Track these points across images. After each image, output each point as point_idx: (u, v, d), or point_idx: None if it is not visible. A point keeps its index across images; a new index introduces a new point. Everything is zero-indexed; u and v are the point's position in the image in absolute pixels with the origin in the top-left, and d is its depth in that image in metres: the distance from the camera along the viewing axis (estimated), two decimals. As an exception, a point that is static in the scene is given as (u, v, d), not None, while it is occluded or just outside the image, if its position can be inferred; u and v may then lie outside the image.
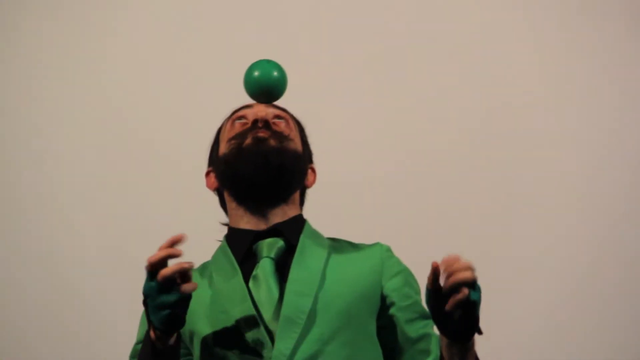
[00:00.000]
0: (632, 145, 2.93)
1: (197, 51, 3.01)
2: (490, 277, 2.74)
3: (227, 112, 1.99)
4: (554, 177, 2.92)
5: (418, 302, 1.84)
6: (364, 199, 2.91)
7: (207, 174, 1.97)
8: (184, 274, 1.61)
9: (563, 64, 2.97)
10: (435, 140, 2.95)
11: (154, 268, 1.60)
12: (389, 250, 1.90)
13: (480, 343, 2.59)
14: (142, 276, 1.61)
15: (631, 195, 2.90)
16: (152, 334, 1.67)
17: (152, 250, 1.88)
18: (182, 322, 1.65)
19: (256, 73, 1.85)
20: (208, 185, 1.96)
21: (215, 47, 3.00)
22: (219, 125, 2.00)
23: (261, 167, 1.83)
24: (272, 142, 1.86)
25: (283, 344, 1.72)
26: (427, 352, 1.80)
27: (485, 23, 3.00)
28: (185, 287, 1.61)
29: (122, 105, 2.99)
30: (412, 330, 1.81)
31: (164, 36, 3.02)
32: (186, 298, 1.63)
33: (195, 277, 1.83)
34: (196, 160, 2.84)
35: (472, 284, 1.55)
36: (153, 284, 1.60)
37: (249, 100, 1.90)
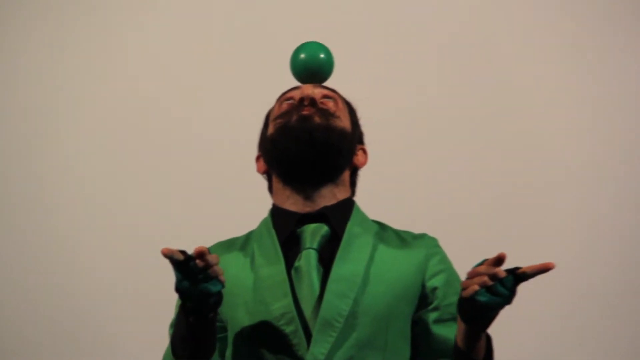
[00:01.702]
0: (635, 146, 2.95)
1: (231, 40, 3.00)
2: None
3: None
4: (557, 179, 2.92)
5: (453, 304, 1.77)
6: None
7: (257, 158, 1.93)
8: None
9: (566, 64, 2.97)
10: (436, 139, 2.97)
11: (197, 257, 1.57)
12: (435, 245, 1.86)
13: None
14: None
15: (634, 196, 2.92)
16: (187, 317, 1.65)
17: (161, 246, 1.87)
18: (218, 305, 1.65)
19: (302, 55, 1.85)
20: (258, 169, 1.92)
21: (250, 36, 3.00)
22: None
23: (306, 144, 1.78)
24: (318, 119, 1.81)
25: (318, 349, 1.69)
26: (449, 354, 1.76)
27: (494, 22, 3.01)
28: (222, 277, 1.60)
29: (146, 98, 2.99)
30: (441, 331, 1.77)
31: (195, 25, 3.01)
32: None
33: (237, 250, 1.84)
34: (213, 157, 2.90)
35: (488, 288, 1.55)
36: (196, 271, 1.58)
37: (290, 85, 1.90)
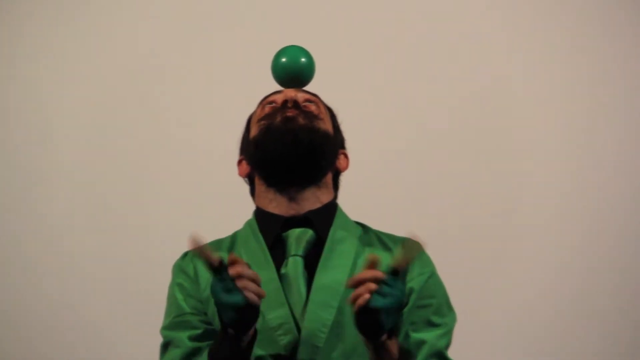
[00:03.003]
0: (630, 149, 2.97)
1: (218, 44, 3.02)
2: (489, 274, 2.86)
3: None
4: (551, 180, 2.96)
5: (428, 306, 1.79)
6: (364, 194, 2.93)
7: (239, 162, 1.93)
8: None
9: (561, 68, 3.00)
10: (430, 140, 2.99)
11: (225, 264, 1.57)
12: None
13: (476, 339, 2.62)
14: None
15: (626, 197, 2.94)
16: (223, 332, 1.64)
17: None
18: (251, 324, 1.63)
19: (284, 59, 1.87)
20: (240, 173, 1.92)
21: (234, 40, 3.02)
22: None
23: (290, 145, 1.79)
24: (301, 120, 1.82)
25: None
26: (422, 356, 1.77)
27: (488, 23, 3.03)
28: (253, 297, 1.58)
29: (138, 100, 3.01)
30: (414, 334, 1.77)
31: (182, 28, 3.02)
32: (254, 307, 1.60)
33: (225, 253, 1.82)
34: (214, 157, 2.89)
35: (379, 291, 1.56)
36: (220, 281, 1.58)
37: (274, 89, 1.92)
